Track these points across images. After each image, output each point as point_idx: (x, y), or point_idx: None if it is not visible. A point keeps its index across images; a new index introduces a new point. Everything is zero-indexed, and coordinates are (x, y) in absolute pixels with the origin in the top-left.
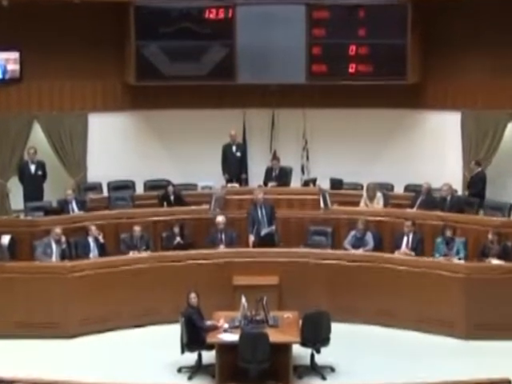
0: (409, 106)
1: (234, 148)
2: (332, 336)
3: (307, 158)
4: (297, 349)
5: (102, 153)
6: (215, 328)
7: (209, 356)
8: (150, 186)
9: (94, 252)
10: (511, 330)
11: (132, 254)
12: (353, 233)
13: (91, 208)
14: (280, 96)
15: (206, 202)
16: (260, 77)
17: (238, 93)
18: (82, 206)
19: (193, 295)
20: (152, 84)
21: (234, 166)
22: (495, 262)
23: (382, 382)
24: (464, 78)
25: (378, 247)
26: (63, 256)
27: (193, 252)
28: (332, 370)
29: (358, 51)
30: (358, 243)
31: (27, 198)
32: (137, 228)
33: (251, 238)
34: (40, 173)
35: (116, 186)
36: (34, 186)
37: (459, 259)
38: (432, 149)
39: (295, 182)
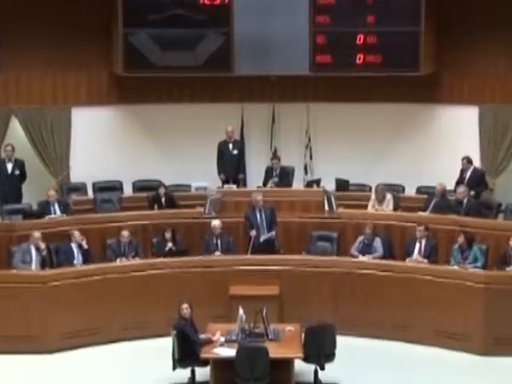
0: (422, 100)
1: (230, 146)
2: (337, 351)
3: (310, 156)
4: (299, 365)
5: (87, 151)
6: (210, 342)
7: (203, 372)
8: (140, 186)
9: (77, 259)
10: None
11: (119, 262)
12: (360, 238)
13: (75, 211)
14: (281, 89)
15: (200, 204)
16: (259, 68)
17: (236, 85)
18: (64, 208)
19: (185, 306)
20: (141, 75)
21: (231, 165)
22: None
23: None
24: (482, 69)
25: (388, 254)
26: (43, 263)
27: (186, 259)
28: None
29: (366, 40)
30: (366, 250)
31: (4, 199)
32: (125, 233)
33: (252, 233)
34: (18, 172)
35: (102, 187)
36: (11, 187)
37: (476, 267)
38: (447, 147)
39: (297, 183)
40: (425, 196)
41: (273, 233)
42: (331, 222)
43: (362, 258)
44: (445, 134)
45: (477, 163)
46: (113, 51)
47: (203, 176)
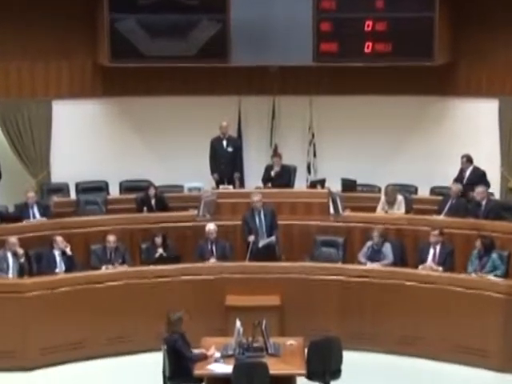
0: (436, 93)
1: (224, 142)
2: (344, 367)
3: (314, 154)
4: (302, 382)
5: (69, 148)
6: (204, 357)
7: None
8: (127, 187)
9: (60, 267)
10: None
11: (105, 269)
12: (369, 244)
13: (56, 214)
14: (282, 81)
15: (193, 206)
16: (258, 58)
17: (232, 77)
18: (44, 211)
19: (179, 315)
20: (129, 65)
21: (225, 163)
22: None
23: None
24: (503, 58)
25: (399, 261)
26: (22, 271)
27: (178, 266)
28: None
29: (375, 27)
30: (375, 256)
31: None
32: (111, 238)
33: (250, 238)
34: None
35: (86, 188)
36: None
37: (496, 276)
38: (464, 143)
39: (300, 183)
40: (439, 197)
41: (273, 238)
42: (337, 226)
43: (370, 266)
44: (462, 129)
45: (497, 161)
46: (98, 39)
47: (197, 176)
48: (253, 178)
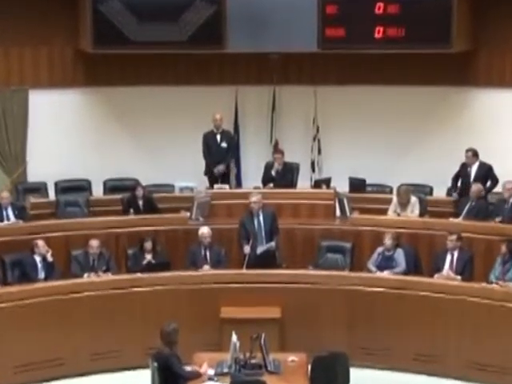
0: (454, 83)
1: (218, 137)
2: None
3: (319, 150)
4: None
5: (48, 143)
6: (197, 375)
7: None
8: (112, 187)
9: (41, 274)
10: None
11: (87, 277)
12: (379, 250)
13: (32, 216)
14: (283, 69)
15: (185, 208)
16: (257, 43)
17: (229, 64)
18: (20, 213)
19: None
20: (114, 52)
21: (219, 160)
22: None
23: None
24: None
25: (413, 269)
26: None
27: (168, 275)
28: None
29: (386, 9)
30: (386, 264)
31: None
32: (94, 243)
33: (246, 250)
34: None
35: (66, 187)
36: None
37: None
38: (485, 139)
39: (303, 183)
40: (458, 198)
41: (273, 243)
42: (344, 230)
43: (380, 274)
44: (482, 123)
45: None
46: (79, 22)
47: (189, 174)
48: (251, 176)
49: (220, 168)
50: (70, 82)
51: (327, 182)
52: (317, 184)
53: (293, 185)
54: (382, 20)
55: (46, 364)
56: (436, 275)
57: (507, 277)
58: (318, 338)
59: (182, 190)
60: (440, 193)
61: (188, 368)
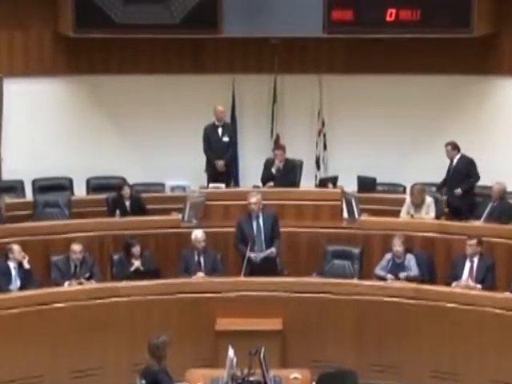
0: (475, 71)
1: (219, 130)
2: None
3: (324, 146)
4: None
5: (25, 137)
6: None
7: None
8: (96, 185)
9: (15, 283)
10: None
11: (68, 286)
12: (388, 256)
13: (7, 218)
14: (285, 56)
15: (177, 209)
16: (256, 27)
17: (225, 51)
18: None
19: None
20: (97, 36)
21: (220, 156)
22: None
23: None
24: None
25: (428, 277)
26: None
27: (158, 282)
28: None
29: None
30: (396, 271)
31: None
32: (76, 247)
33: (242, 249)
34: None
35: (45, 186)
36: None
37: None
38: (508, 132)
39: (307, 182)
40: (478, 199)
41: (273, 249)
42: (352, 234)
43: (392, 282)
44: (505, 114)
45: None
46: (58, 3)
47: (181, 172)
48: (250, 175)
49: (219, 164)
50: (49, 70)
51: (333, 180)
52: (322, 183)
53: (295, 184)
54: (394, 1)
55: (23, 382)
56: (454, 284)
57: None
58: (324, 353)
59: (173, 189)
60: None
61: None
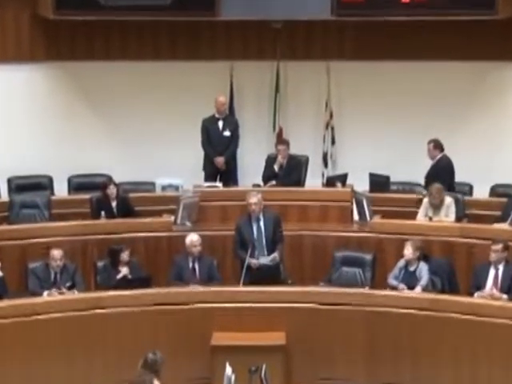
0: (498, 57)
1: (220, 123)
2: None
3: (333, 140)
4: None
5: None
6: None
7: None
8: (78, 184)
9: None
10: None
11: (47, 296)
12: (401, 263)
13: None
14: (289, 41)
15: (169, 211)
16: (257, 10)
17: (222, 35)
18: None
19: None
20: (80, 18)
21: (220, 152)
22: None
23: None
24: None
25: (448, 286)
26: None
27: (147, 292)
28: None
29: None
30: (410, 280)
31: None
32: (56, 253)
33: (243, 255)
34: None
35: (22, 185)
36: None
37: None
38: None
39: (313, 180)
40: (503, 200)
41: (275, 255)
42: (363, 238)
43: (407, 291)
44: None
45: None
46: None
47: (174, 169)
48: (249, 172)
49: (219, 161)
50: (26, 56)
51: (342, 178)
52: (330, 181)
53: (300, 183)
54: None
55: None
56: (476, 294)
57: None
58: (332, 371)
59: (164, 188)
60: (481, 192)
61: None
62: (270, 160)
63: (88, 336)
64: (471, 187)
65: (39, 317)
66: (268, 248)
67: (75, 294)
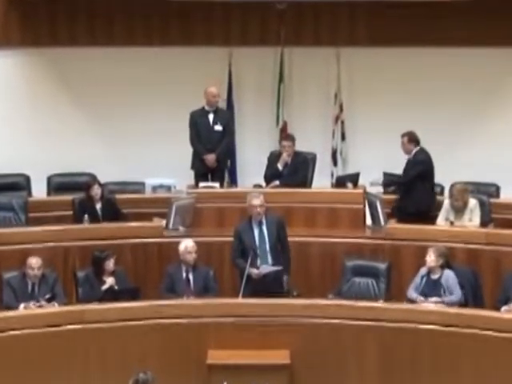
0: None
1: (210, 117)
2: None
3: (343, 136)
4: None
5: None
6: None
7: None
8: (59, 185)
9: None
10: None
11: (24, 309)
12: (422, 272)
13: None
14: (294, 23)
15: (160, 214)
16: None
17: (220, 18)
18: None
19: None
20: None
21: (211, 149)
22: None
23: None
24: None
25: (472, 299)
26: None
27: (136, 305)
28: None
29: None
30: (432, 291)
31: None
32: (33, 261)
33: (242, 265)
34: None
35: None
36: None
37: None
38: None
39: (321, 180)
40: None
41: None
42: (377, 245)
43: (427, 305)
44: None
45: None
46: None
47: (165, 168)
48: (250, 171)
49: (210, 158)
50: (0, 41)
51: (354, 178)
52: (340, 182)
53: (307, 183)
54: None
55: None
56: (504, 308)
57: None
58: None
59: (155, 189)
60: (510, 194)
61: None
62: (273, 158)
63: (69, 354)
64: (498, 188)
65: (15, 332)
66: (272, 256)
67: (55, 307)
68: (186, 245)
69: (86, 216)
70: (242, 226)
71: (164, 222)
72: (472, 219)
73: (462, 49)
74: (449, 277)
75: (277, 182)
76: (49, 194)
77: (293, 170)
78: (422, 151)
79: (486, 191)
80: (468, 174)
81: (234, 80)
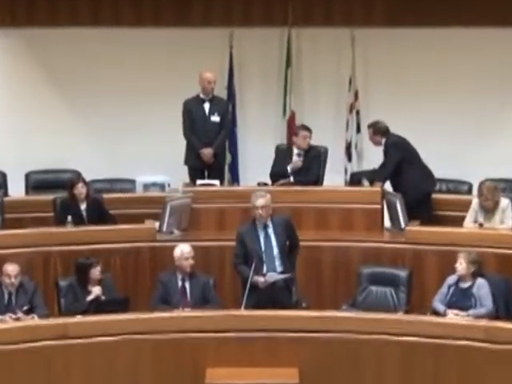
0: None
1: (206, 106)
2: None
3: (358, 128)
4: None
5: None
6: None
7: None
8: (39, 182)
9: None
10: None
11: (0, 322)
12: (450, 280)
13: None
14: (303, 2)
15: (153, 215)
16: None
17: None
18: None
19: None
20: None
21: (207, 142)
22: None
23: None
24: None
25: (504, 311)
26: None
27: (125, 318)
28: None
29: None
30: (460, 302)
31: None
32: (10, 269)
33: (245, 271)
34: None
35: None
36: None
37: None
38: None
39: (334, 177)
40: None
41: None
42: (396, 250)
43: (453, 317)
44: None
45: None
46: None
47: (158, 164)
48: (253, 168)
49: (206, 153)
50: None
51: (370, 175)
52: (354, 179)
53: (318, 180)
54: None
55: None
56: None
57: None
58: None
59: (146, 187)
60: None
61: None
62: (281, 153)
63: (50, 372)
64: None
65: None
66: (280, 262)
67: (34, 320)
68: (182, 250)
69: (70, 218)
70: (246, 229)
71: (157, 225)
72: (504, 221)
73: (491, 29)
74: (482, 286)
75: (291, 179)
76: (27, 192)
77: (304, 167)
78: (392, 137)
79: None
80: (499, 171)
81: (235, 65)
